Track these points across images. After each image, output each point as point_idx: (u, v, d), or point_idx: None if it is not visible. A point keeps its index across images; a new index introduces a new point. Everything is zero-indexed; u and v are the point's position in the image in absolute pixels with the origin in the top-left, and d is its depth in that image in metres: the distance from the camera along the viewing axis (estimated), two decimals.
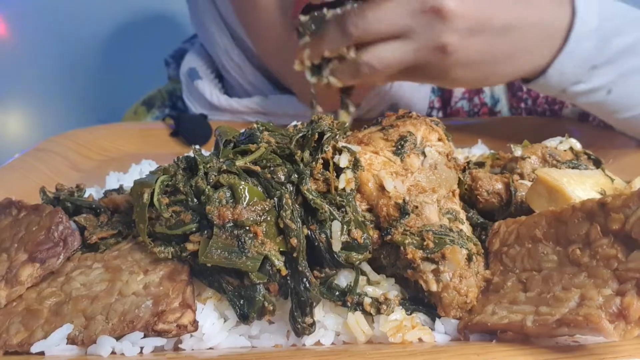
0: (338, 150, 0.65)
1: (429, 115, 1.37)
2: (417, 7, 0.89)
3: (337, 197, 0.61)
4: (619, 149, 0.99)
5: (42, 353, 0.54)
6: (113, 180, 0.91)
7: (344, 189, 0.62)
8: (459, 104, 1.41)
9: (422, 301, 0.60)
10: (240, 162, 0.63)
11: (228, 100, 1.26)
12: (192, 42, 1.50)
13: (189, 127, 1.15)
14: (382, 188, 0.63)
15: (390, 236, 0.60)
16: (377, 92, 1.26)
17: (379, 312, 0.58)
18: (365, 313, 0.58)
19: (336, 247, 0.58)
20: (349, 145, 0.66)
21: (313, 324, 0.57)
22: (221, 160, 0.65)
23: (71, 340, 0.55)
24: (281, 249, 0.58)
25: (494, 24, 0.93)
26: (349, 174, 0.63)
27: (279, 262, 0.57)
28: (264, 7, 1.08)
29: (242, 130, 0.70)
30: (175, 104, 1.47)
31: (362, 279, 0.61)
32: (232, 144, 0.69)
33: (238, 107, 1.25)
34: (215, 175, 0.62)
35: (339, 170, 0.63)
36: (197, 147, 0.71)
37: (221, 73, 1.37)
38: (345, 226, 0.59)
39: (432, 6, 0.89)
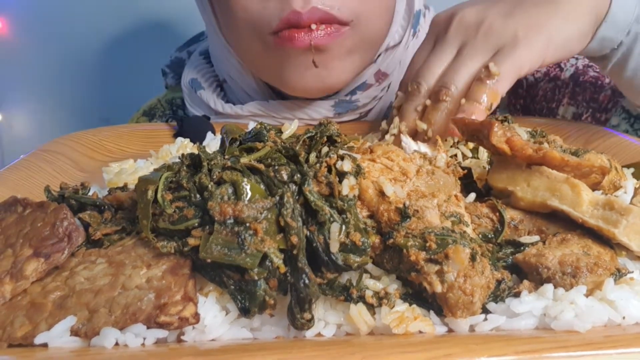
0: (340, 157, 0.65)
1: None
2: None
3: (339, 202, 0.61)
4: (615, 146, 1.00)
5: (45, 345, 0.55)
6: None
7: (346, 195, 0.62)
8: None
9: (420, 295, 0.60)
10: (245, 160, 0.64)
11: (232, 107, 1.28)
12: (188, 51, 1.51)
13: (192, 129, 1.15)
14: (382, 194, 0.63)
15: (392, 239, 0.60)
16: (374, 94, 1.27)
17: (380, 304, 0.58)
18: (367, 305, 0.58)
19: (334, 247, 0.58)
20: (349, 153, 0.66)
21: (311, 320, 0.57)
22: (226, 157, 0.66)
23: (74, 333, 0.55)
24: (281, 247, 0.59)
25: None
26: (352, 180, 0.63)
27: (277, 259, 0.58)
28: (243, 25, 1.12)
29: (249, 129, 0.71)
30: (176, 112, 1.48)
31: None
32: (237, 142, 0.70)
33: (242, 113, 1.27)
34: (219, 172, 0.62)
35: (340, 176, 0.63)
36: (202, 145, 0.72)
37: (221, 82, 1.38)
38: (344, 227, 0.59)
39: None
